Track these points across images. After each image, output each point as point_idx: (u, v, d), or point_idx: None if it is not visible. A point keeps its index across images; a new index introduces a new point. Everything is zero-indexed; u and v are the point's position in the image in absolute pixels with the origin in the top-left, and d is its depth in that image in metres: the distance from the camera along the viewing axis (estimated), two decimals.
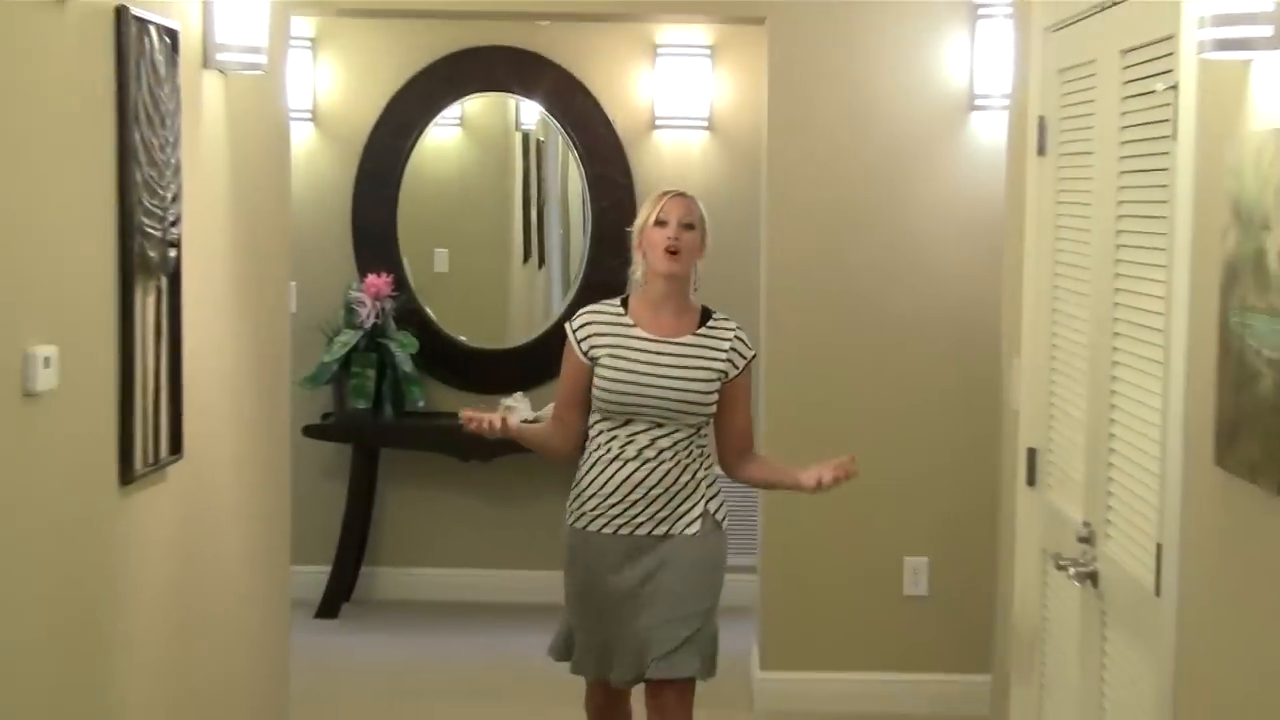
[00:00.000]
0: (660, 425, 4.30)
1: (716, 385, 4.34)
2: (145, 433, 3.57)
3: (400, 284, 7.46)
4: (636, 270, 4.46)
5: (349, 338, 7.25)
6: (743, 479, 4.62)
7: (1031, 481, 4.57)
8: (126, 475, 3.47)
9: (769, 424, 5.99)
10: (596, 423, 4.38)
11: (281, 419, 4.87)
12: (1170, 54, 3.33)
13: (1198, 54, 2.92)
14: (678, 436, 4.31)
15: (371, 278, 7.33)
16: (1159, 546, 3.33)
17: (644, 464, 4.29)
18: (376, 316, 7.26)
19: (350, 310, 7.31)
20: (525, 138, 7.82)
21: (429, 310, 7.63)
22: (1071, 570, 3.93)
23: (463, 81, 7.60)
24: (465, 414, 4.31)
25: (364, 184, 7.60)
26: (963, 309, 6.04)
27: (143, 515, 3.61)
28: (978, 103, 6.06)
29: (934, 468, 6.15)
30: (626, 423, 4.31)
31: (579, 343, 4.38)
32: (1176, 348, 3.24)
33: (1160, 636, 3.32)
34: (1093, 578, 3.85)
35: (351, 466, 7.43)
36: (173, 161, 3.68)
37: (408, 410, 7.39)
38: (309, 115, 7.52)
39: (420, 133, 7.63)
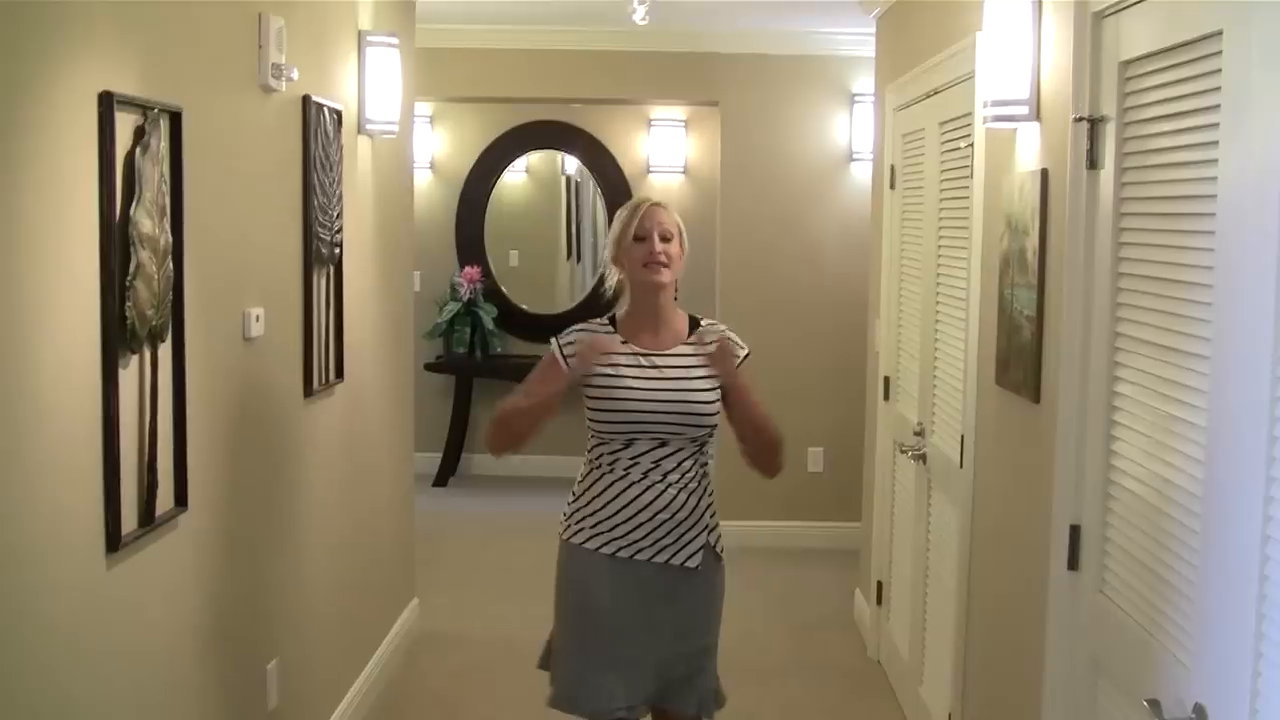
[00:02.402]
0: (664, 444, 2.79)
1: (716, 389, 2.82)
2: (319, 365, 3.58)
3: (486, 273, 7.46)
4: (613, 278, 2.98)
5: (453, 307, 7.28)
6: (761, 463, 2.93)
7: (886, 397, 4.62)
8: (308, 391, 3.49)
9: None
10: (595, 446, 2.88)
11: (408, 358, 4.89)
12: (969, 124, 3.37)
13: (984, 124, 2.95)
14: (681, 456, 2.81)
15: (468, 269, 7.34)
16: (962, 436, 3.38)
17: (649, 488, 2.79)
18: (470, 294, 7.28)
19: (454, 289, 7.34)
20: (567, 179, 7.78)
21: (504, 289, 7.62)
22: (910, 454, 3.99)
23: (526, 143, 7.58)
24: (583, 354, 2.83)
25: (463, 209, 7.59)
26: (844, 286, 6.04)
27: (319, 417, 3.63)
28: (854, 156, 6.06)
29: (826, 390, 6.17)
30: (628, 444, 2.81)
31: (566, 360, 2.88)
32: (973, 309, 3.28)
33: (962, 493, 3.38)
34: (923, 458, 3.91)
35: (455, 389, 7.47)
36: (337, 193, 3.70)
37: (491, 354, 7.39)
38: (429, 165, 7.51)
39: (499, 176, 7.62)
